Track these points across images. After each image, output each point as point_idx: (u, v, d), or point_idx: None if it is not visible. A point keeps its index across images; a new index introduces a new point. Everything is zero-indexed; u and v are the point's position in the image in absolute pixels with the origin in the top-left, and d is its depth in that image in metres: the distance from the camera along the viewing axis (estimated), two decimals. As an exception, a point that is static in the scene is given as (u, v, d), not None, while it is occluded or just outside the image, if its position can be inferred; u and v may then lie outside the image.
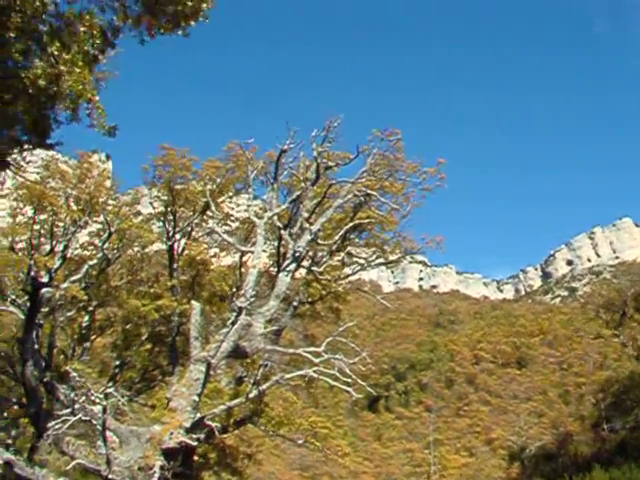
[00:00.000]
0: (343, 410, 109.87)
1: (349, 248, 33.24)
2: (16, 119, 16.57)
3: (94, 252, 33.31)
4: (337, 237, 30.40)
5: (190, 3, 15.46)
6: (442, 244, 32.81)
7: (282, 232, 28.83)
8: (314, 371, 27.39)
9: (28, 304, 29.67)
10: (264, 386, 27.98)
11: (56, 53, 15.61)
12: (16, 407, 36.70)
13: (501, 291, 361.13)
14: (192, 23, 16.08)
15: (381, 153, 29.83)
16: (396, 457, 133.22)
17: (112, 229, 31.19)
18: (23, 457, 33.34)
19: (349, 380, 27.52)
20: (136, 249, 35.04)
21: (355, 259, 34.40)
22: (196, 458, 31.52)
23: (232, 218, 35.63)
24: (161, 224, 34.45)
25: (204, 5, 15.71)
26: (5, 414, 36.49)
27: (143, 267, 37.08)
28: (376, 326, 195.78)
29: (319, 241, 29.75)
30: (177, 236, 33.64)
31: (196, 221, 33.98)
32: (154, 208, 34.54)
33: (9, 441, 35.50)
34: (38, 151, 22.17)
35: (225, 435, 31.96)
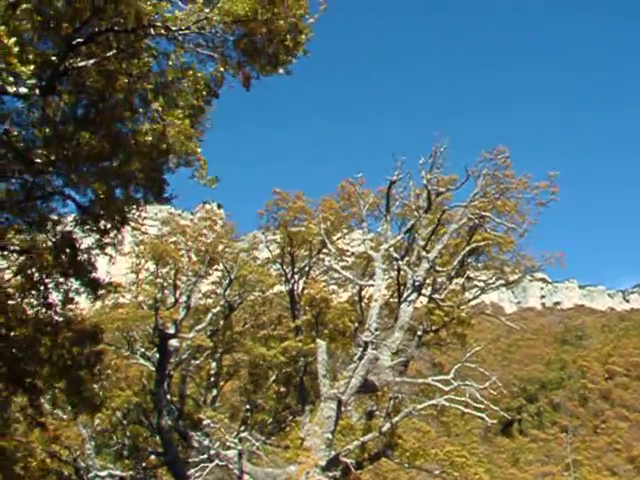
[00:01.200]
0: (476, 437, 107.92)
1: (468, 272, 32.82)
2: (131, 177, 17.14)
3: (216, 300, 34.02)
4: (455, 262, 30.09)
5: (289, 37, 15.49)
6: (562, 260, 32.04)
7: (399, 263, 28.79)
8: (445, 399, 27.09)
9: (157, 356, 30.54)
10: (396, 419, 27.85)
11: (160, 109, 16.13)
12: (153, 456, 37.63)
13: (627, 301, 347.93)
14: (293, 60, 16.19)
15: (490, 173, 29.51)
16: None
17: (232, 276, 31.84)
18: (164, 506, 34.25)
19: (481, 406, 27.09)
20: (257, 294, 35.59)
21: (475, 283, 33.93)
22: (333, 495, 31.46)
23: (348, 254, 35.78)
24: (279, 266, 34.92)
25: (302, 37, 15.73)
26: (144, 464, 37.38)
27: (265, 311, 37.63)
28: (502, 348, 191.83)
29: (437, 268, 29.50)
30: (296, 277, 34.00)
31: (313, 260, 34.31)
32: (270, 252, 35.07)
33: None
34: (151, 207, 22.92)
35: (360, 471, 31.83)
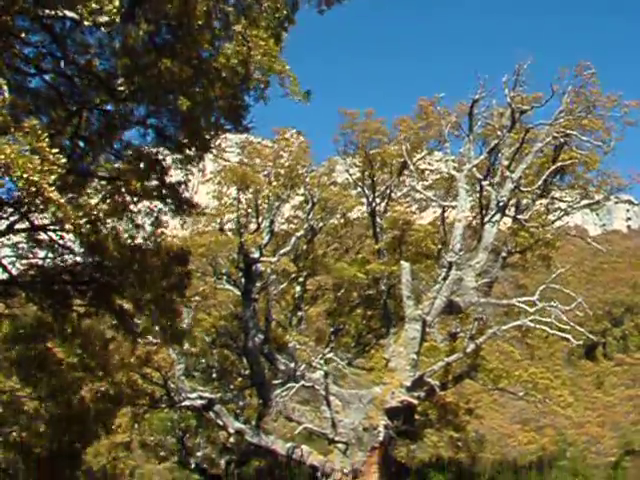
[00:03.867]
0: (560, 360, 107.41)
1: (553, 192, 32.20)
2: (213, 104, 17.19)
3: (299, 225, 34.18)
4: (540, 182, 29.54)
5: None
6: (649, 179, 31.08)
7: (483, 183, 28.42)
8: (530, 320, 26.96)
9: (243, 280, 30.97)
10: (480, 340, 27.87)
11: (243, 31, 16.02)
12: (240, 379, 38.50)
13: None
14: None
15: (576, 90, 28.67)
16: (620, 405, 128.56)
17: (314, 199, 31.88)
18: (252, 426, 35.14)
19: (566, 327, 26.91)
20: (338, 217, 35.62)
21: (559, 205, 33.28)
22: (417, 416, 31.85)
23: (429, 175, 35.41)
24: (359, 190, 34.81)
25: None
26: (232, 386, 38.26)
27: (347, 233, 37.74)
28: (586, 272, 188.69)
29: (521, 188, 29.04)
30: (377, 200, 33.87)
31: (394, 182, 34.07)
32: (350, 175, 34.94)
33: (238, 411, 37.32)
34: (232, 136, 23.00)
35: (444, 392, 32.09)
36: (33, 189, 11.54)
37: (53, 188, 11.88)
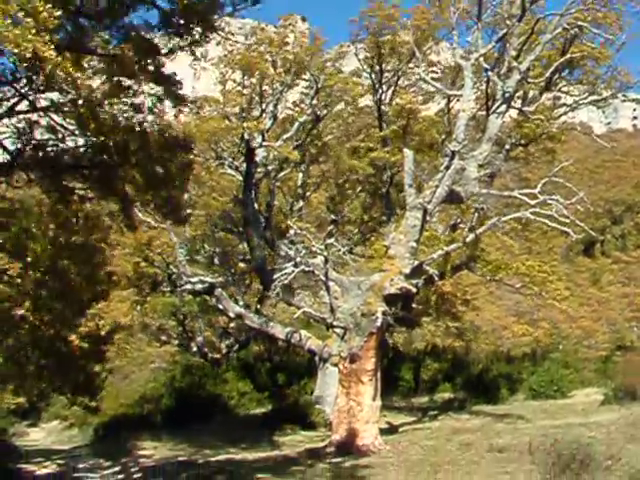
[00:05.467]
0: (557, 256, 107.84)
1: (560, 86, 31.79)
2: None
3: (304, 111, 33.79)
4: (548, 74, 29.09)
5: None
6: (658, 76, 30.62)
7: (489, 73, 27.98)
8: (531, 213, 27.07)
9: (244, 166, 30.91)
10: (480, 230, 28.00)
11: None
12: (241, 264, 38.90)
13: None
14: None
15: (592, -20, 27.89)
16: (615, 302, 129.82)
17: (319, 84, 31.46)
18: (252, 310, 35.77)
19: (566, 220, 27.01)
20: (344, 104, 35.21)
21: (565, 99, 32.90)
22: (415, 305, 32.31)
23: (437, 65, 34.87)
24: (368, 78, 34.35)
25: None
26: (233, 271, 38.68)
27: (353, 121, 37.39)
28: (589, 169, 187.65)
29: (529, 80, 28.61)
30: (384, 87, 33.48)
31: (401, 71, 33.59)
32: (359, 61, 34.41)
33: (238, 296, 37.90)
34: (235, 21, 22.49)
35: (442, 281, 32.46)
36: (29, 54, 11.38)
37: (49, 47, 11.71)
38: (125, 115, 18.30)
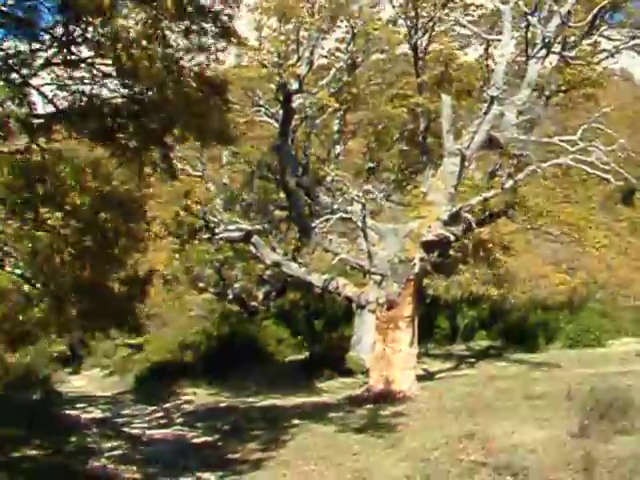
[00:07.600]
0: (595, 204, 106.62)
1: (602, 29, 31.11)
2: None
3: (341, 58, 33.45)
4: (589, 17, 28.48)
5: None
6: None
7: (529, 17, 27.45)
8: (571, 159, 26.79)
9: (281, 112, 30.78)
10: (519, 176, 27.77)
11: None
12: (278, 212, 38.96)
13: None
14: None
15: None
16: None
17: (355, 30, 31.09)
18: (289, 258, 35.89)
19: (607, 167, 26.73)
20: (381, 52, 34.80)
21: (606, 45, 32.24)
22: (452, 252, 32.29)
23: (474, 8, 34.21)
24: (402, 23, 33.83)
25: None
26: (269, 218, 38.74)
27: (390, 68, 36.99)
28: (629, 116, 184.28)
29: (570, 24, 28.05)
30: (420, 32, 32.97)
31: (438, 15, 33.02)
32: (393, 8, 33.86)
33: (274, 244, 38.01)
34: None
35: (481, 229, 32.34)
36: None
37: None
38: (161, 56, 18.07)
